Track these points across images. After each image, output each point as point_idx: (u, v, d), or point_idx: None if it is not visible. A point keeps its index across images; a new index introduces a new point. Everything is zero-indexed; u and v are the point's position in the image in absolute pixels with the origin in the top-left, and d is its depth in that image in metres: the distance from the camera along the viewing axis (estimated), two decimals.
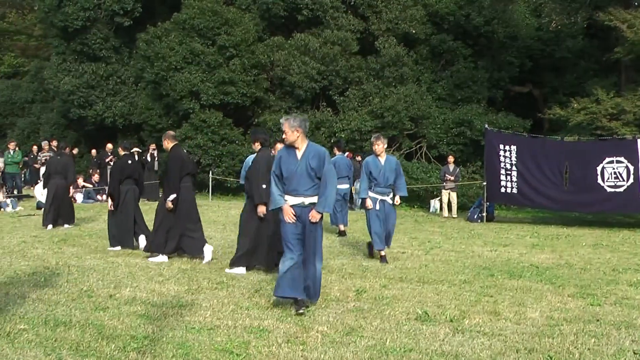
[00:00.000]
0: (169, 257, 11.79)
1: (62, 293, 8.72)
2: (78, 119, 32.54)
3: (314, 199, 8.17)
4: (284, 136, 8.35)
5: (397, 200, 12.70)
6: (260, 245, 10.86)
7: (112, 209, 13.38)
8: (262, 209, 10.53)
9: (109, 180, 12.71)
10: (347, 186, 17.15)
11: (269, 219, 10.54)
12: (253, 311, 7.98)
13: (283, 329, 7.17)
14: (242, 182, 17.05)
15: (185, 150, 13.89)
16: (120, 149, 14.60)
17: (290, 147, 8.34)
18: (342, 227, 16.66)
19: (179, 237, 11.95)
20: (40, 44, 44.13)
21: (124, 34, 32.30)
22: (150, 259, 11.71)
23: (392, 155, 13.20)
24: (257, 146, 11.49)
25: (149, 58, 28.80)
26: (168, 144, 12.30)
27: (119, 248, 13.05)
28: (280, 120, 8.52)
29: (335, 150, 17.31)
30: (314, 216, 8.11)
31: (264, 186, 10.23)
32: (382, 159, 12.49)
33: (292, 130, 8.20)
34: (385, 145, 12.80)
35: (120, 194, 13.39)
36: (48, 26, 33.72)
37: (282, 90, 29.00)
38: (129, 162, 13.77)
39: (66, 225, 16.74)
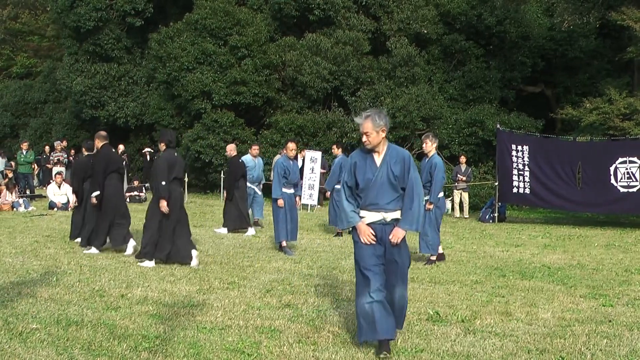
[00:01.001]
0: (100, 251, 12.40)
1: (74, 293, 8.76)
2: (90, 119, 32.64)
3: (397, 214, 6.68)
4: (363, 139, 6.65)
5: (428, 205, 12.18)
6: (162, 238, 11.40)
7: (77, 204, 13.97)
8: (163, 204, 11.23)
9: (91, 179, 13.18)
10: None
11: (172, 213, 11.38)
12: (264, 311, 7.99)
13: (294, 329, 7.18)
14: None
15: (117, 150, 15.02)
16: (83, 148, 14.98)
17: (367, 151, 6.74)
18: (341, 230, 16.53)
19: (109, 229, 12.84)
20: (52, 44, 44.30)
21: (136, 35, 32.38)
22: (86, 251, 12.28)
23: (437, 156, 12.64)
24: (162, 146, 11.95)
25: (161, 58, 28.86)
26: (98, 143, 13.03)
27: (97, 251, 12.93)
28: (357, 120, 6.79)
29: (339, 151, 17.22)
30: (396, 235, 6.58)
31: (164, 183, 11.24)
32: (427, 159, 12.45)
33: (378, 131, 6.59)
34: (433, 145, 12.42)
35: (84, 192, 13.85)
36: (60, 27, 33.85)
37: (294, 91, 28.99)
38: (91, 162, 13.96)
39: None
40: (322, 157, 24.64)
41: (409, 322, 7.57)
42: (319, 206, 24.65)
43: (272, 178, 14.90)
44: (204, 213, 21.06)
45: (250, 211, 17.91)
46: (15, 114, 39.79)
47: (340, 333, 7.08)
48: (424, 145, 12.47)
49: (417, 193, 6.64)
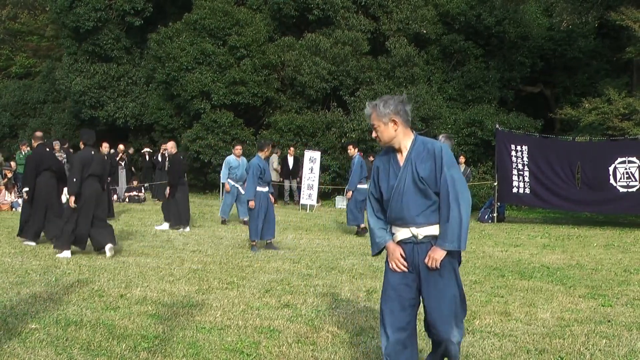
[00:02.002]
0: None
1: (73, 293, 8.75)
2: (89, 119, 32.63)
3: (432, 229, 5.17)
4: (374, 135, 5.38)
5: None
6: (80, 230, 12.10)
7: (26, 197, 14.10)
8: (71, 200, 12.04)
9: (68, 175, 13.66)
10: (367, 186, 17.14)
11: (89, 207, 12.10)
12: (263, 311, 7.99)
13: (293, 329, 7.18)
14: (222, 181, 17.67)
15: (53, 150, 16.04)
16: (33, 139, 15.10)
17: (391, 150, 5.34)
18: (362, 225, 16.57)
19: (43, 223, 13.79)
20: (52, 44, 44.26)
21: (135, 35, 32.40)
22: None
23: None
24: (81, 145, 12.82)
25: (160, 58, 28.87)
26: (34, 143, 14.26)
27: (33, 243, 13.57)
28: (365, 111, 5.40)
29: (355, 151, 17.23)
30: (432, 257, 5.09)
31: (75, 180, 12.03)
32: None
33: (386, 122, 5.21)
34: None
35: (36, 185, 14.06)
36: (60, 27, 33.86)
37: (293, 90, 29.00)
38: (47, 151, 14.74)
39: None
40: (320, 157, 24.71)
41: None
42: (318, 204, 24.66)
43: None
44: (203, 213, 21.07)
45: (235, 209, 18.89)
46: (14, 114, 39.74)
47: (340, 333, 7.08)
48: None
49: (457, 198, 5.06)
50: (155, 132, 31.59)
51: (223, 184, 18.74)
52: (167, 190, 16.86)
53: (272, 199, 14.18)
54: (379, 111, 5.20)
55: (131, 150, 31.04)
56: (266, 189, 13.76)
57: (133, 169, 29.08)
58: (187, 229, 16.79)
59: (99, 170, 12.39)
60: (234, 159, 18.73)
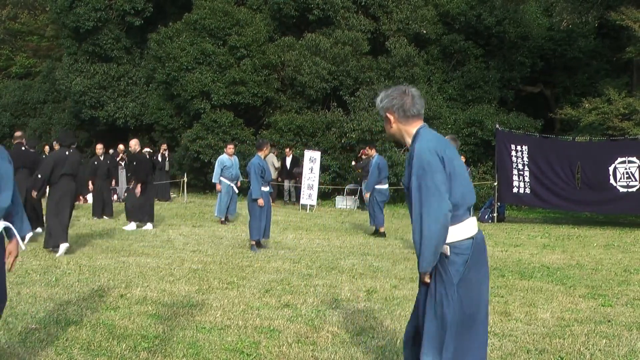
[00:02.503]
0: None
1: (73, 292, 8.76)
2: (90, 119, 32.68)
3: None
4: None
5: None
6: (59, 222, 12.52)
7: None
8: (33, 193, 12.82)
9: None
10: (387, 186, 17.15)
11: (62, 202, 12.53)
12: (263, 311, 7.99)
13: (293, 329, 7.18)
14: (215, 180, 17.71)
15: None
16: (12, 139, 15.88)
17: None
18: (382, 229, 16.64)
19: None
20: (52, 44, 44.27)
21: (135, 35, 32.43)
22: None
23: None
24: (56, 146, 13.83)
25: (160, 58, 28.88)
26: (13, 142, 14.84)
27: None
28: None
29: (373, 152, 17.21)
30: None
31: (39, 176, 12.62)
32: None
33: (384, 117, 4.84)
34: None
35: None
36: (60, 27, 33.90)
37: (293, 91, 29.00)
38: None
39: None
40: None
41: (406, 321, 7.57)
42: (313, 205, 24.66)
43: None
44: (203, 213, 21.06)
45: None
46: (14, 114, 39.76)
47: (340, 333, 7.08)
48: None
49: (420, 212, 4.42)
50: (155, 132, 31.62)
51: (215, 183, 18.73)
52: (137, 188, 16.66)
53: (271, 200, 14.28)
54: (377, 105, 4.89)
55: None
56: (267, 188, 13.84)
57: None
58: (150, 226, 16.74)
59: (73, 169, 12.72)
60: (227, 158, 18.77)
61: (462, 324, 4.48)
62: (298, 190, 25.40)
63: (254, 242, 13.52)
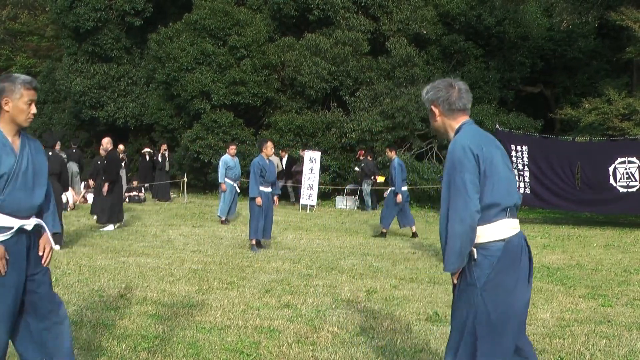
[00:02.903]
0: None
1: (73, 293, 8.76)
2: (90, 119, 32.68)
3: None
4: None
5: None
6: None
7: None
8: None
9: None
10: (406, 187, 17.14)
11: None
12: (263, 311, 7.99)
13: (293, 329, 7.18)
14: (220, 180, 17.65)
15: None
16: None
17: None
18: (414, 229, 16.71)
19: None
20: (52, 44, 44.25)
21: (135, 35, 32.43)
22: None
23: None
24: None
25: (160, 59, 28.87)
26: None
27: None
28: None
29: (393, 154, 17.17)
30: None
31: None
32: None
33: (430, 109, 4.75)
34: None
35: None
36: (60, 27, 33.88)
37: (293, 91, 29.00)
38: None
39: None
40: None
41: (407, 322, 7.58)
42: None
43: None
44: (203, 213, 21.07)
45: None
46: None
47: (340, 333, 7.08)
48: None
49: (447, 211, 4.33)
50: (155, 133, 31.61)
51: (220, 183, 18.71)
52: (105, 187, 16.60)
53: (276, 203, 14.23)
54: (423, 97, 4.78)
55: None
56: (269, 189, 13.77)
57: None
58: (112, 227, 16.58)
59: (55, 169, 12.76)
60: (230, 159, 18.81)
61: (486, 330, 4.30)
62: (297, 190, 25.41)
63: (253, 242, 13.53)
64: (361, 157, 25.19)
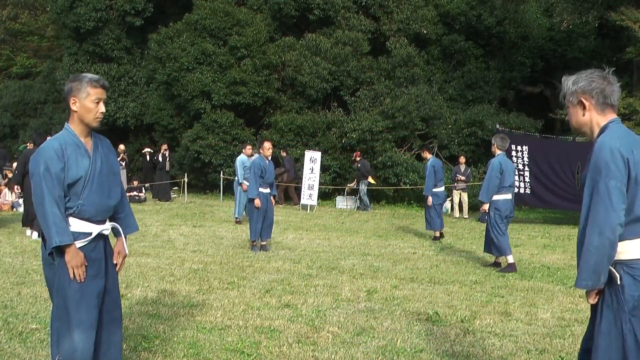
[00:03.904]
0: None
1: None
2: None
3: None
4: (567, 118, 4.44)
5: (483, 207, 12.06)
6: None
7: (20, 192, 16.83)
8: (13, 188, 15.80)
9: None
10: (443, 189, 17.11)
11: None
12: (264, 311, 7.99)
13: (294, 329, 7.18)
14: (240, 181, 17.54)
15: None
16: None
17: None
18: (438, 233, 16.55)
19: None
20: (52, 44, 44.24)
21: (136, 35, 32.43)
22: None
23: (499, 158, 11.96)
24: (30, 145, 15.99)
25: (160, 59, 28.87)
26: None
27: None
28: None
29: (427, 155, 17.14)
30: None
31: (17, 172, 15.17)
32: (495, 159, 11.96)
33: (573, 103, 4.47)
34: (494, 147, 12.10)
35: None
36: (60, 27, 33.86)
37: (294, 91, 29.01)
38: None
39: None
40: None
41: (408, 322, 7.59)
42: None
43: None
44: (204, 213, 21.07)
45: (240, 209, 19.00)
46: (15, 114, 39.74)
47: (340, 333, 7.08)
48: (493, 146, 12.11)
49: (587, 220, 3.83)
50: (155, 132, 31.60)
51: (240, 183, 18.53)
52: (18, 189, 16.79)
53: (273, 201, 14.13)
54: (566, 87, 4.41)
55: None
56: (267, 190, 13.67)
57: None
58: (35, 235, 15.98)
59: None
60: (247, 159, 18.65)
61: None
62: (283, 190, 25.50)
63: (254, 243, 13.53)
64: (358, 158, 25.21)
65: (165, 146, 27.73)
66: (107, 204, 4.79)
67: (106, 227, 4.81)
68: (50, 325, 4.75)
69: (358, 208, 25.01)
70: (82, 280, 4.57)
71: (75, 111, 4.69)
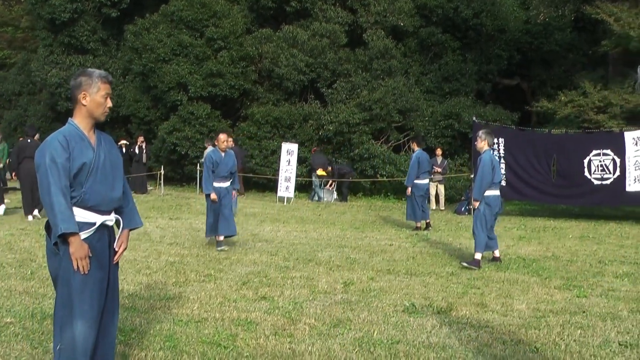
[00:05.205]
0: None
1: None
2: (66, 111, 32.40)
3: None
4: None
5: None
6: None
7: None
8: (13, 174, 17.40)
9: None
10: (427, 181, 17.18)
11: (23, 180, 17.10)
12: (240, 303, 7.98)
13: (270, 322, 7.18)
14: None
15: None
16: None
17: None
18: (419, 224, 16.70)
19: None
20: (27, 35, 43.89)
21: (112, 26, 32.22)
22: None
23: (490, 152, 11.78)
24: (20, 138, 18.21)
25: (137, 50, 28.71)
26: None
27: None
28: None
29: (415, 146, 17.22)
30: None
31: (12, 161, 18.25)
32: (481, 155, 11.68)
33: None
34: (482, 142, 11.67)
35: None
36: (35, 18, 33.59)
37: (271, 83, 28.95)
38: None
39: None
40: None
41: (385, 314, 7.61)
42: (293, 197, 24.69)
43: None
44: (180, 205, 21.02)
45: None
46: None
47: (317, 325, 7.09)
48: (478, 143, 11.76)
49: None
50: (132, 124, 31.46)
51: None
52: None
53: (234, 196, 13.53)
54: None
55: None
56: (222, 184, 12.79)
57: None
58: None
59: (32, 153, 13.05)
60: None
61: None
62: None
63: (220, 238, 12.68)
64: (312, 152, 25.56)
65: (141, 138, 27.60)
66: (111, 196, 4.83)
67: (110, 218, 4.85)
68: (54, 315, 4.77)
69: (335, 200, 25.09)
70: (86, 272, 4.60)
71: (85, 105, 4.77)
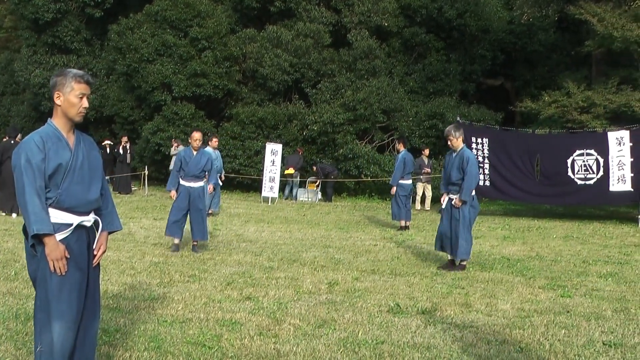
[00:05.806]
0: None
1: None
2: (49, 111, 32.16)
3: None
4: None
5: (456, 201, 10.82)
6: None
7: None
8: None
9: None
10: (411, 182, 17.29)
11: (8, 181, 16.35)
12: (225, 304, 7.97)
13: (255, 322, 7.16)
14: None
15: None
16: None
17: None
18: (404, 223, 16.76)
19: None
20: (10, 35, 43.65)
21: (96, 26, 32.11)
22: None
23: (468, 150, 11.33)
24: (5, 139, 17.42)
25: (120, 50, 28.64)
26: None
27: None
28: None
29: (401, 147, 17.25)
30: None
31: None
32: (454, 154, 11.13)
33: None
34: (454, 140, 11.01)
35: None
36: (18, 18, 33.46)
37: (255, 83, 28.95)
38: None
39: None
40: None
41: (369, 314, 7.61)
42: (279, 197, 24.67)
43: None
44: (164, 206, 20.93)
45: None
46: None
47: (301, 325, 7.08)
48: (452, 140, 11.01)
49: None
50: (115, 124, 31.38)
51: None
52: None
53: (210, 190, 13.27)
54: None
55: None
56: (192, 184, 12.34)
57: None
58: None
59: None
60: (212, 151, 18.56)
61: None
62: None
63: (176, 242, 12.30)
64: (299, 152, 25.74)
65: (125, 138, 27.51)
66: (87, 198, 4.77)
67: (88, 219, 4.79)
68: (34, 316, 4.72)
69: (320, 200, 25.13)
70: (63, 273, 4.55)
71: (59, 105, 4.73)
